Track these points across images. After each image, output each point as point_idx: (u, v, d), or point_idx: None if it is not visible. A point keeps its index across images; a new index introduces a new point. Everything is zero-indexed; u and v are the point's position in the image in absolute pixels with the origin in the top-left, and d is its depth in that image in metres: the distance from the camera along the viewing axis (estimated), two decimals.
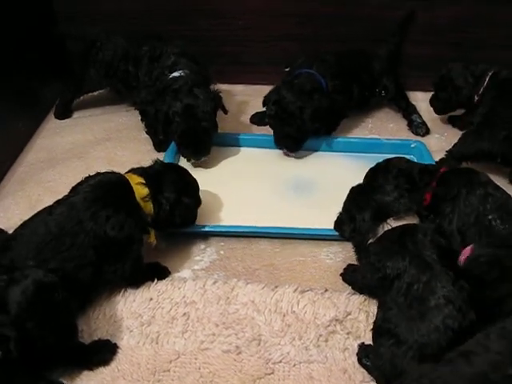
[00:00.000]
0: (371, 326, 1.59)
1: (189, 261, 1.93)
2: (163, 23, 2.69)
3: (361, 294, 1.76)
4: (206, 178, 2.11)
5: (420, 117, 2.60)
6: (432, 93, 2.53)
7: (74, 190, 1.75)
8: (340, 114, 2.53)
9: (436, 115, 2.59)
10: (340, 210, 1.80)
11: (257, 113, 2.62)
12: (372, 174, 1.88)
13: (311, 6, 2.65)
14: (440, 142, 2.51)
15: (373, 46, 2.63)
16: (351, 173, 1.98)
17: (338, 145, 2.44)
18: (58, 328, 1.43)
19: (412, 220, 1.67)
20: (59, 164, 2.37)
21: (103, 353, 1.59)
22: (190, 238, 2.00)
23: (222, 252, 1.97)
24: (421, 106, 2.65)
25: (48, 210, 1.67)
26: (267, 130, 2.40)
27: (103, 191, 1.71)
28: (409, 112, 2.63)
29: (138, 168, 1.85)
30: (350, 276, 1.83)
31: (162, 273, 1.85)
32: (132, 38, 2.48)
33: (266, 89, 2.44)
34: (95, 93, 2.70)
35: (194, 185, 1.94)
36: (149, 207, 1.76)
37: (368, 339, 1.61)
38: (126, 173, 1.81)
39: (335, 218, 1.81)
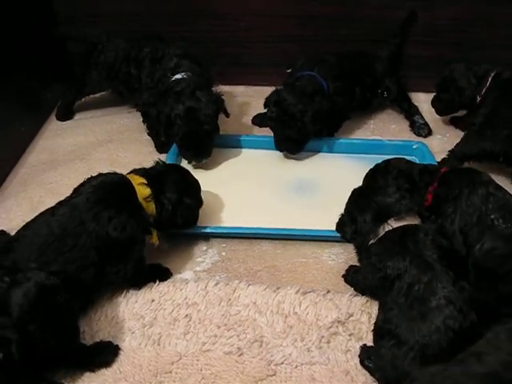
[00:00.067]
0: (373, 328, 1.59)
1: (190, 262, 1.93)
2: (164, 24, 2.69)
3: (363, 295, 1.76)
4: (207, 180, 2.11)
5: (422, 118, 2.60)
6: (434, 93, 2.52)
7: (76, 191, 1.75)
8: (342, 115, 2.53)
9: (438, 116, 2.59)
10: (342, 211, 1.80)
11: (258, 114, 2.62)
12: (372, 175, 1.87)
13: (311, 7, 2.65)
14: (442, 142, 2.51)
15: (373, 46, 2.62)
16: (353, 174, 1.98)
17: (340, 146, 2.44)
18: (59, 330, 1.43)
19: (413, 221, 1.67)
20: (61, 165, 2.38)
21: (105, 354, 1.59)
22: (192, 240, 2.00)
23: (223, 253, 1.97)
24: (422, 107, 2.65)
25: (50, 211, 1.68)
26: (269, 132, 2.40)
27: (105, 192, 1.71)
28: (411, 113, 2.63)
29: (139, 169, 1.85)
30: (351, 277, 1.83)
31: (163, 274, 1.85)
32: (133, 39, 2.48)
33: (267, 90, 2.44)
34: (97, 95, 2.70)
35: (195, 185, 1.94)
36: (151, 207, 1.77)
37: (370, 341, 1.60)
38: (128, 173, 1.82)
39: (337, 220, 1.81)
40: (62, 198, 1.73)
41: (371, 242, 1.66)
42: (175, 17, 2.71)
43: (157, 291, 1.78)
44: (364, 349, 1.60)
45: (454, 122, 2.61)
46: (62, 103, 2.69)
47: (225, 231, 2.02)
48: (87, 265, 1.62)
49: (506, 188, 1.78)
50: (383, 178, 1.82)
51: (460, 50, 2.65)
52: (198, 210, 1.96)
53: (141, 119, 2.47)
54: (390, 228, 1.64)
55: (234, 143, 2.45)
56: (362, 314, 1.71)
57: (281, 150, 2.38)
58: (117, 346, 1.62)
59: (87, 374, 1.56)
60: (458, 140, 2.31)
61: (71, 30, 2.59)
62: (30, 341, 1.36)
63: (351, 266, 1.86)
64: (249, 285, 1.80)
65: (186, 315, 1.71)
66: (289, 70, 2.54)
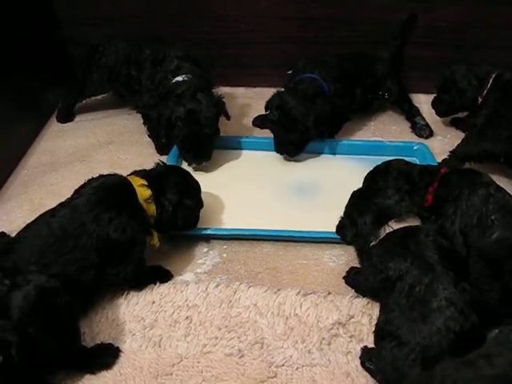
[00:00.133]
0: (374, 329, 1.58)
1: (191, 264, 1.93)
2: (164, 26, 2.70)
3: (364, 296, 1.76)
4: (208, 181, 2.11)
5: (423, 119, 2.60)
6: (434, 95, 2.52)
7: (76, 192, 1.75)
8: (342, 116, 2.53)
9: (438, 117, 2.58)
10: (342, 213, 1.80)
11: (259, 115, 2.62)
12: (372, 177, 1.87)
13: (312, 8, 2.66)
14: (443, 144, 2.51)
15: (373, 48, 2.62)
16: (354, 175, 1.97)
17: (341, 147, 2.44)
18: (60, 333, 1.42)
19: (414, 222, 1.67)
20: (62, 167, 2.38)
21: (105, 356, 1.59)
22: (193, 241, 2.00)
23: (224, 255, 1.96)
24: (423, 108, 2.65)
25: (51, 213, 1.68)
26: (269, 133, 2.40)
27: (106, 193, 1.71)
28: (412, 114, 2.63)
29: (140, 170, 1.85)
30: (352, 279, 1.82)
31: (164, 276, 1.85)
32: (134, 41, 2.48)
33: (267, 91, 2.44)
34: (98, 97, 2.70)
35: (196, 186, 1.94)
36: (151, 209, 1.77)
37: (371, 342, 1.60)
38: (129, 175, 1.82)
39: (337, 223, 1.81)
40: (63, 200, 1.73)
41: (372, 243, 1.66)
42: (175, 18, 2.71)
43: (157, 293, 1.78)
44: (365, 350, 1.59)
45: (455, 123, 2.61)
46: (62, 105, 2.70)
47: (226, 233, 2.01)
48: (88, 266, 1.62)
49: (507, 189, 1.77)
50: (383, 179, 1.82)
51: (460, 51, 2.65)
52: (199, 211, 1.96)
53: (141, 121, 2.48)
54: (391, 229, 1.64)
55: (234, 145, 2.45)
56: (363, 315, 1.70)
57: (281, 153, 2.39)
58: (117, 348, 1.62)
59: (88, 377, 1.55)
60: (459, 141, 2.31)
61: (72, 33, 2.59)
62: (30, 343, 1.36)
63: (352, 268, 1.86)
64: (249, 286, 1.79)
65: (187, 317, 1.71)
66: (289, 72, 2.55)
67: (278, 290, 1.78)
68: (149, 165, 1.91)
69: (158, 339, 1.65)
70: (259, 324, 1.69)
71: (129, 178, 1.78)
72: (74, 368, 1.55)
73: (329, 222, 1.82)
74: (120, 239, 1.65)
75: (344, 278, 1.85)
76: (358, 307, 1.72)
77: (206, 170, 2.32)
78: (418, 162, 2.23)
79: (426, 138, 2.55)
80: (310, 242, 1.99)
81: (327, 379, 1.55)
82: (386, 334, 1.48)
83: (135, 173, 1.83)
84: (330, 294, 1.77)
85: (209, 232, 1.99)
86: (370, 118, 2.68)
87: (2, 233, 1.90)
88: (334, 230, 1.82)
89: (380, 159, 1.96)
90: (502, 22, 2.59)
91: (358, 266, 1.81)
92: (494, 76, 2.27)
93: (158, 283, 1.80)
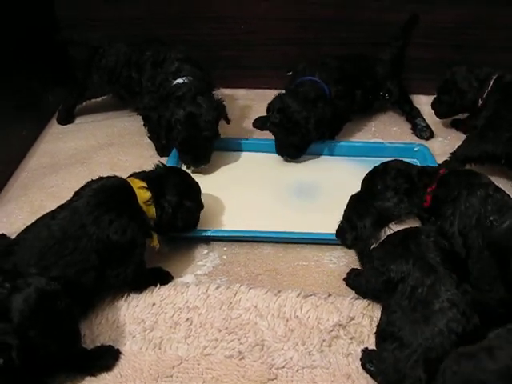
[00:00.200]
0: (375, 331, 1.58)
1: (191, 266, 1.92)
2: (164, 27, 2.70)
3: (364, 298, 1.76)
4: (208, 183, 2.11)
5: (424, 120, 2.60)
6: (435, 96, 2.52)
7: (76, 194, 1.75)
8: (343, 118, 2.53)
9: (438, 118, 2.58)
10: (343, 214, 1.80)
11: (260, 117, 2.61)
12: (370, 178, 1.87)
13: (312, 10, 2.66)
14: (443, 145, 2.51)
15: (373, 49, 2.62)
16: (354, 177, 1.97)
17: (341, 149, 2.44)
18: (60, 336, 1.42)
19: (413, 223, 1.67)
20: (62, 169, 2.38)
21: (106, 358, 1.59)
22: (193, 243, 2.00)
23: (224, 257, 1.96)
24: (424, 110, 2.64)
25: (51, 215, 1.67)
26: (270, 135, 2.40)
27: (106, 195, 1.71)
28: (413, 115, 2.62)
29: (140, 172, 1.85)
30: (353, 280, 1.82)
31: (164, 278, 1.85)
32: (134, 43, 2.48)
33: (268, 93, 2.44)
34: (98, 98, 2.70)
35: (195, 188, 1.94)
36: (151, 211, 1.77)
37: (372, 344, 1.60)
38: (128, 177, 1.82)
39: (337, 226, 1.81)
40: (63, 202, 1.73)
41: (373, 246, 1.66)
42: (176, 20, 2.72)
43: (158, 295, 1.78)
44: (365, 352, 1.59)
45: (456, 125, 2.61)
46: (63, 107, 2.70)
47: (226, 234, 2.01)
48: (88, 268, 1.62)
49: (506, 190, 1.77)
50: (382, 179, 1.82)
51: (461, 52, 2.66)
52: (199, 212, 1.96)
53: (141, 123, 2.48)
54: (391, 232, 1.64)
55: (234, 146, 2.46)
56: (364, 317, 1.70)
57: (282, 155, 2.39)
58: (118, 350, 1.62)
59: (88, 379, 1.55)
60: (460, 142, 2.31)
61: (73, 35, 2.60)
62: (30, 346, 1.36)
63: (352, 269, 1.86)
64: (250, 288, 1.79)
65: (187, 319, 1.71)
66: (289, 74, 2.55)
67: (279, 291, 1.78)
68: (149, 167, 1.91)
69: (159, 341, 1.65)
70: (259, 326, 1.69)
71: (128, 180, 1.78)
72: (74, 370, 1.55)
73: (329, 224, 1.82)
74: (120, 241, 1.65)
75: (344, 279, 1.85)
76: (358, 309, 1.72)
77: (206, 172, 2.31)
78: (418, 164, 2.23)
79: (427, 139, 2.55)
80: (311, 243, 1.99)
81: (328, 381, 1.55)
82: (387, 335, 1.48)
83: (135, 175, 1.83)
84: (330, 295, 1.77)
85: (209, 234, 1.99)
86: (370, 119, 2.68)
87: (2, 235, 1.90)
88: (335, 232, 1.82)
89: (380, 160, 1.96)
90: (503, 22, 2.59)
91: (359, 267, 1.81)
92: (494, 78, 2.27)
93: (158, 285, 1.80)
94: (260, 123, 2.59)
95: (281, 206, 2.16)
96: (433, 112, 2.56)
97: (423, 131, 2.56)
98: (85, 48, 2.55)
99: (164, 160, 2.23)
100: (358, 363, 1.58)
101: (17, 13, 2.43)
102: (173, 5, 2.70)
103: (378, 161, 1.98)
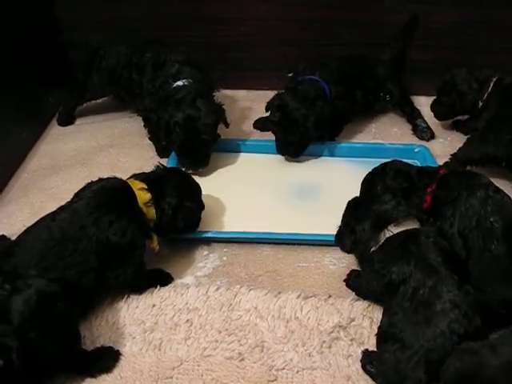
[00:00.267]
0: (375, 333, 1.58)
1: (192, 267, 1.92)
2: (165, 29, 2.70)
3: (365, 299, 1.75)
4: (209, 184, 2.11)
5: (425, 121, 2.60)
6: (435, 97, 2.52)
7: (76, 195, 1.75)
8: (343, 119, 2.53)
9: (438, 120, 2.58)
10: (340, 222, 1.79)
11: (260, 118, 2.62)
12: (370, 179, 1.87)
13: (312, 11, 2.66)
14: (444, 146, 2.50)
15: (374, 50, 2.62)
16: (355, 178, 1.97)
17: (342, 150, 2.44)
18: (60, 337, 1.42)
19: (412, 225, 1.66)
20: (62, 170, 2.38)
21: (106, 360, 1.59)
22: (193, 244, 2.00)
23: (224, 258, 1.96)
24: (424, 111, 2.64)
25: (51, 216, 1.67)
26: (270, 136, 2.40)
27: (106, 197, 1.71)
28: (413, 117, 2.62)
29: (140, 173, 1.85)
30: (353, 282, 1.82)
31: (164, 279, 1.85)
32: (135, 44, 2.48)
33: (269, 94, 2.44)
34: (98, 100, 2.70)
35: (196, 188, 1.94)
36: (151, 212, 1.76)
37: (372, 346, 1.60)
38: (128, 178, 1.82)
39: (336, 232, 1.80)
40: (64, 203, 1.73)
41: (372, 249, 1.66)
42: (176, 22, 2.72)
43: (158, 296, 1.77)
44: (366, 354, 1.59)
45: (456, 126, 2.60)
46: (63, 108, 2.70)
47: (226, 236, 2.01)
48: (87, 269, 1.62)
49: (509, 192, 1.77)
50: (381, 180, 1.82)
51: (461, 53, 2.65)
52: (200, 213, 1.96)
53: (142, 124, 2.48)
54: (391, 234, 1.64)
55: (235, 147, 2.45)
56: (364, 318, 1.70)
57: (282, 154, 2.39)
58: (117, 351, 1.62)
59: (88, 380, 1.55)
60: (460, 144, 2.31)
61: (73, 36, 2.60)
62: (30, 348, 1.36)
63: (353, 271, 1.85)
64: (250, 290, 1.79)
65: (187, 320, 1.71)
66: (290, 75, 2.55)
67: (279, 293, 1.78)
68: (149, 168, 1.91)
69: (159, 342, 1.65)
70: (259, 327, 1.68)
71: (128, 181, 1.78)
72: (74, 372, 1.55)
73: (329, 225, 1.82)
74: (120, 243, 1.65)
75: (345, 280, 1.84)
76: (358, 310, 1.72)
77: (206, 173, 2.31)
78: (419, 165, 2.22)
79: (428, 140, 2.54)
80: (311, 244, 1.99)
81: (328, 382, 1.55)
82: (388, 337, 1.48)
83: (135, 176, 1.83)
84: (330, 296, 1.77)
85: (209, 235, 1.99)
86: (371, 120, 2.67)
87: (3, 236, 1.91)
88: (335, 233, 1.82)
89: (381, 161, 1.96)
90: (503, 24, 2.59)
91: (359, 268, 1.80)
92: (494, 80, 2.27)
93: (158, 286, 1.80)
94: (260, 124, 2.60)
95: (281, 207, 2.16)
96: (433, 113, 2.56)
97: (424, 132, 2.56)
98: (85, 49, 2.54)
99: (164, 161, 2.23)
100: (359, 365, 1.58)
101: (17, 14, 2.44)
102: (173, 6, 2.70)
103: (378, 162, 1.98)
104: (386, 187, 1.80)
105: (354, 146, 2.46)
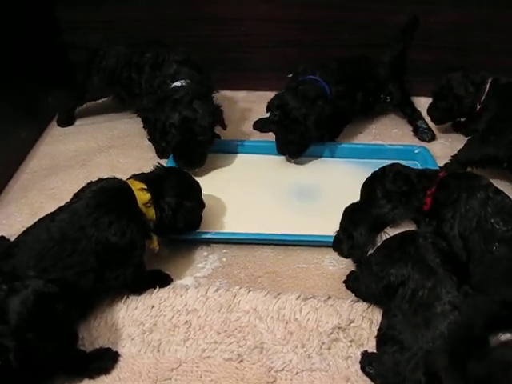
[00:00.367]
0: (374, 334, 1.57)
1: (191, 268, 1.92)
2: (164, 29, 2.70)
3: (364, 301, 1.75)
4: (208, 185, 2.10)
5: (425, 122, 2.59)
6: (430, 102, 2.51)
7: (76, 196, 1.75)
8: (344, 119, 2.53)
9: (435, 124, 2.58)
10: (338, 228, 1.79)
11: (260, 119, 2.62)
12: (370, 184, 1.87)
13: (312, 11, 2.65)
14: (444, 147, 2.50)
15: (374, 51, 2.61)
16: (355, 179, 1.97)
17: (342, 151, 2.43)
18: (58, 338, 1.42)
19: (409, 227, 1.66)
20: (62, 171, 2.37)
21: (104, 361, 1.58)
22: (193, 245, 2.00)
23: (224, 259, 1.96)
24: (424, 112, 2.62)
25: (50, 217, 1.67)
26: (270, 137, 2.39)
27: (105, 197, 1.70)
28: (414, 118, 2.62)
29: (139, 174, 1.85)
30: (353, 283, 1.81)
31: (163, 280, 1.84)
32: (134, 44, 2.48)
33: (269, 95, 2.43)
34: (98, 101, 2.70)
35: (196, 188, 1.93)
36: (151, 213, 1.76)
37: (371, 347, 1.59)
38: (128, 179, 1.81)
39: (334, 236, 1.80)
40: (63, 204, 1.72)
41: (369, 252, 1.65)
42: (176, 22, 2.71)
43: (157, 297, 1.77)
44: (365, 355, 1.58)
45: (456, 127, 2.60)
46: (63, 109, 2.69)
47: (225, 237, 2.01)
48: (87, 270, 1.61)
49: (509, 193, 1.76)
50: (380, 184, 1.81)
51: (462, 54, 2.65)
52: (200, 212, 1.95)
53: (142, 125, 2.47)
54: (388, 236, 1.63)
55: (234, 148, 2.45)
56: (363, 320, 1.69)
57: (283, 154, 2.38)
58: (116, 352, 1.61)
59: (86, 381, 1.55)
60: (461, 145, 2.30)
61: (73, 37, 2.59)
62: (28, 348, 1.36)
63: (352, 272, 1.85)
64: (249, 291, 1.78)
65: (186, 321, 1.70)
66: (290, 76, 2.54)
67: (278, 294, 1.77)
68: (149, 169, 1.91)
69: (157, 344, 1.65)
70: (259, 328, 1.68)
71: (128, 181, 1.78)
72: (72, 373, 1.55)
73: (329, 226, 1.81)
74: (119, 243, 1.64)
75: (344, 282, 1.84)
76: (358, 312, 1.71)
77: (204, 175, 2.30)
78: (419, 166, 2.22)
79: (429, 141, 2.54)
80: (311, 245, 1.98)
81: None
82: (388, 338, 1.47)
83: (134, 176, 1.82)
84: (330, 298, 1.76)
85: (209, 236, 1.98)
86: (371, 121, 2.67)
87: (2, 237, 1.90)
88: (335, 235, 1.81)
89: (381, 163, 1.95)
90: (504, 24, 2.58)
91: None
92: (490, 81, 2.26)
93: (157, 287, 1.80)
94: (260, 125, 2.59)
95: (281, 208, 2.15)
96: None
97: (425, 133, 2.56)
98: (85, 50, 2.54)
99: (164, 162, 2.23)
100: (358, 366, 1.57)
101: (17, 15, 2.44)
102: (173, 7, 2.69)
103: (378, 163, 1.98)
104: (386, 191, 1.80)
105: (354, 147, 2.45)
